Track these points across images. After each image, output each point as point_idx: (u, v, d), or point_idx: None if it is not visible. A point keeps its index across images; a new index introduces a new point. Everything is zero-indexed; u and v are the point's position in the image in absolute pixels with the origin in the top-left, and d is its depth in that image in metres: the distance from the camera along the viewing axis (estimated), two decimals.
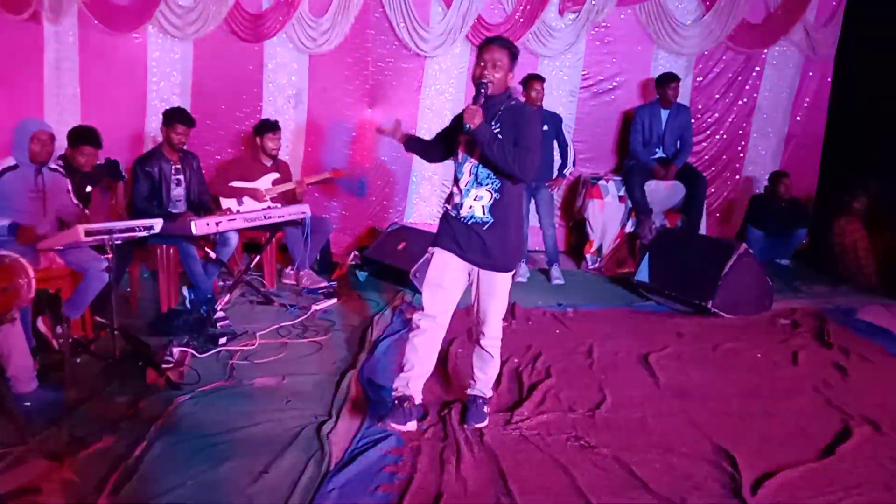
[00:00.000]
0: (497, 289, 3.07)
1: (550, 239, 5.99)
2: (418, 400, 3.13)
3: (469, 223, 2.99)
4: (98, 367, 3.79)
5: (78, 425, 3.12)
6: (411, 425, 3.02)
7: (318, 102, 6.64)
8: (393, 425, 2.98)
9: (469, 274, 3.10)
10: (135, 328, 4.33)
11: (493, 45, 2.94)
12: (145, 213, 4.77)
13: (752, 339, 4.48)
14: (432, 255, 3.11)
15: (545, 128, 5.89)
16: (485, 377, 3.24)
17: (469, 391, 3.28)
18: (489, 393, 3.30)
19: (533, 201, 5.97)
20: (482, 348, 3.18)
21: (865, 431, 3.17)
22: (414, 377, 3.08)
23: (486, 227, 2.97)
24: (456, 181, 3.04)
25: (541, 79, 5.91)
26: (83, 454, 2.86)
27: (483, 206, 2.97)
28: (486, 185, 2.95)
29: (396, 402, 3.05)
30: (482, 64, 2.92)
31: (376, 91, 6.58)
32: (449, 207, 3.07)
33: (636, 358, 4.13)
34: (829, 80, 6.95)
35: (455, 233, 3.02)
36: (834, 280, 5.97)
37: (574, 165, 6.41)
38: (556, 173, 6.09)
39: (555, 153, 6.08)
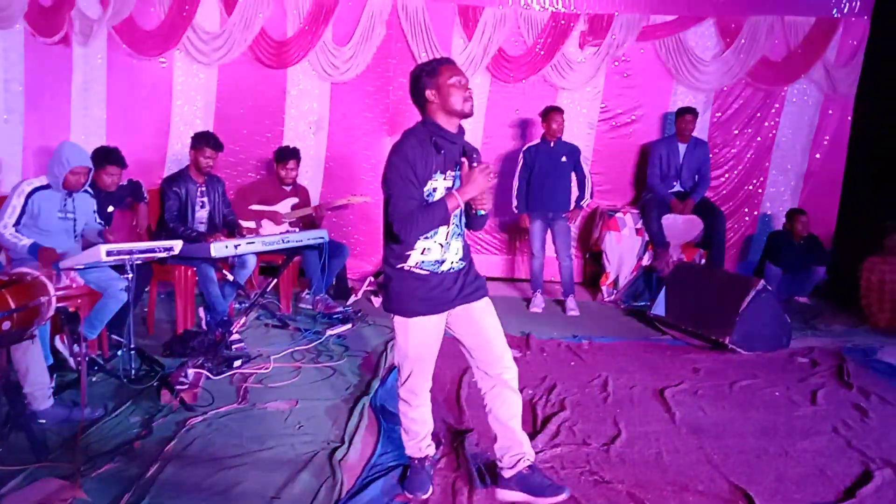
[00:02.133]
0: (493, 309, 2.81)
1: (566, 270, 5.98)
2: (432, 451, 2.96)
3: (450, 273, 2.71)
4: (113, 386, 3.81)
5: (92, 444, 3.13)
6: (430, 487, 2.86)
7: (339, 129, 6.72)
8: (421, 497, 2.79)
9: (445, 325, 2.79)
10: (150, 348, 4.36)
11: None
12: (175, 231, 4.82)
13: (769, 376, 4.43)
14: (398, 324, 2.73)
15: (563, 159, 5.93)
16: (521, 430, 2.82)
17: (523, 462, 2.76)
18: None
19: (549, 232, 5.98)
20: (509, 387, 2.77)
21: (887, 475, 3.10)
22: (423, 438, 2.88)
23: (463, 270, 2.75)
24: (427, 238, 2.64)
25: (560, 111, 5.96)
26: (96, 474, 2.87)
27: (460, 256, 2.74)
28: (460, 234, 2.74)
29: (417, 464, 2.86)
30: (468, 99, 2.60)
31: (396, 119, 6.65)
32: (417, 265, 2.65)
33: (652, 392, 4.09)
34: (850, 118, 6.93)
35: (432, 290, 2.66)
36: (855, 319, 5.89)
37: (591, 197, 6.42)
38: (573, 205, 6.10)
39: (572, 185, 6.09)
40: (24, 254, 3.82)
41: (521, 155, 6.06)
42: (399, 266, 2.66)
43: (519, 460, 2.76)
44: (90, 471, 2.88)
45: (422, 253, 2.64)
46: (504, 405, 2.76)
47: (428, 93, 2.59)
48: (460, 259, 2.73)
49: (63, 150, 3.99)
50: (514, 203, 6.05)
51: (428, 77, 2.60)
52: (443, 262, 2.67)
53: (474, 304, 2.76)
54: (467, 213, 2.74)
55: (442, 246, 2.66)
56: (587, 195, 6.18)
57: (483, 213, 2.69)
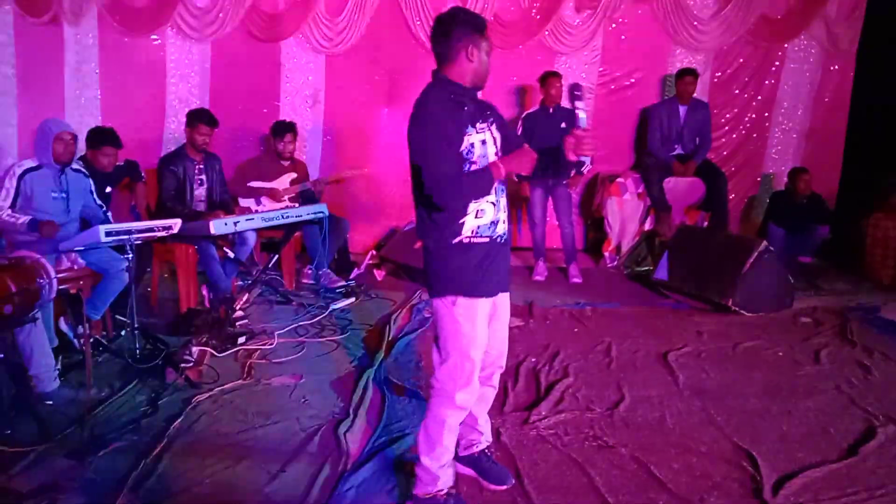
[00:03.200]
0: (509, 307, 2.65)
1: (568, 237, 5.96)
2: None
3: (503, 242, 2.48)
4: (118, 366, 3.83)
5: (98, 424, 3.15)
6: None
7: (336, 102, 6.66)
8: None
9: None
10: (154, 327, 4.38)
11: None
12: (174, 210, 4.81)
13: (772, 337, 4.43)
14: (460, 309, 2.39)
15: (563, 125, 5.87)
16: (487, 419, 2.76)
17: (478, 447, 2.73)
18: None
19: (550, 199, 5.95)
20: (493, 384, 2.66)
21: (890, 431, 3.12)
22: (452, 464, 2.57)
23: (507, 243, 2.51)
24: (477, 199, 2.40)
25: (559, 76, 5.89)
26: (103, 453, 2.89)
27: (507, 213, 2.51)
28: (504, 188, 2.50)
29: (450, 500, 2.53)
30: None
31: (393, 90, 6.59)
32: (475, 232, 2.38)
33: (655, 357, 4.10)
34: (852, 75, 6.84)
35: (491, 265, 2.41)
36: (858, 278, 5.88)
37: (591, 163, 6.37)
38: (573, 171, 6.06)
39: None
40: (24, 230, 3.81)
41: (519, 122, 6.01)
42: (454, 240, 2.37)
43: (475, 443, 2.73)
44: (97, 450, 2.91)
45: (476, 216, 2.38)
46: (482, 399, 2.65)
47: (465, 51, 2.37)
48: (506, 218, 2.50)
49: (45, 123, 3.98)
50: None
51: (474, 34, 2.37)
52: (497, 222, 2.42)
53: (503, 294, 2.57)
54: None
55: (494, 205, 2.42)
56: (587, 161, 6.14)
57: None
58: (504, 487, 2.67)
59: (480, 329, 2.41)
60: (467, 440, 2.73)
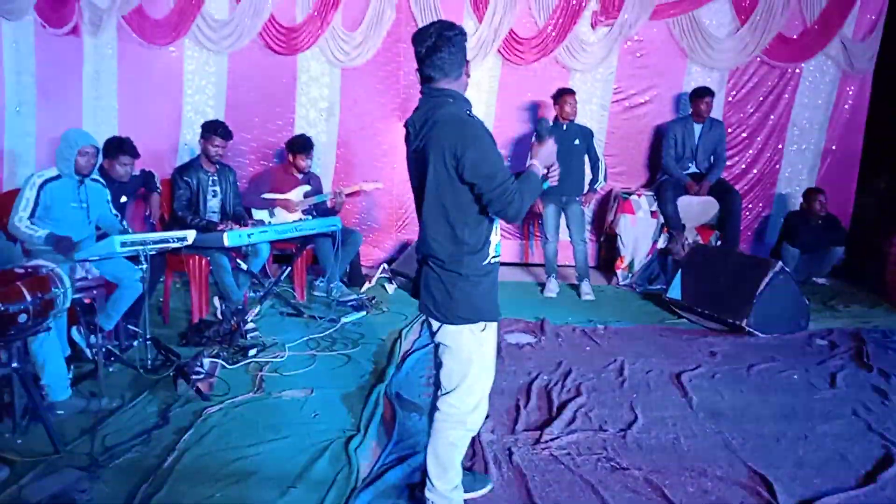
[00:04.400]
0: None
1: (581, 254, 5.94)
2: None
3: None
4: (129, 377, 3.83)
5: (109, 435, 3.15)
6: None
7: (350, 115, 6.68)
8: None
9: None
10: (166, 338, 4.37)
11: None
12: (185, 221, 4.83)
13: (787, 359, 4.39)
14: (488, 335, 2.42)
15: (576, 142, 5.86)
16: None
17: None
18: None
19: (563, 216, 5.93)
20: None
21: None
22: (461, 484, 2.59)
23: None
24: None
25: (573, 93, 5.90)
26: (114, 464, 2.89)
27: None
28: None
29: None
30: None
31: (407, 104, 6.60)
32: (493, 256, 2.41)
33: (668, 377, 4.06)
34: (868, 95, 6.81)
35: (496, 288, 2.46)
36: (874, 299, 5.81)
37: (605, 180, 6.37)
38: (587, 188, 6.05)
39: (586, 167, 6.04)
40: (40, 244, 3.83)
41: (533, 138, 6.01)
42: (484, 262, 2.36)
43: None
44: (108, 461, 2.90)
45: (496, 234, 2.41)
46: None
47: (466, 66, 2.40)
48: None
49: (69, 135, 4.00)
50: None
51: (465, 55, 2.38)
52: (493, 245, 2.42)
53: None
54: None
55: (495, 230, 2.43)
56: (601, 178, 6.13)
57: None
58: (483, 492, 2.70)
59: (493, 349, 2.46)
60: None
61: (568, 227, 5.95)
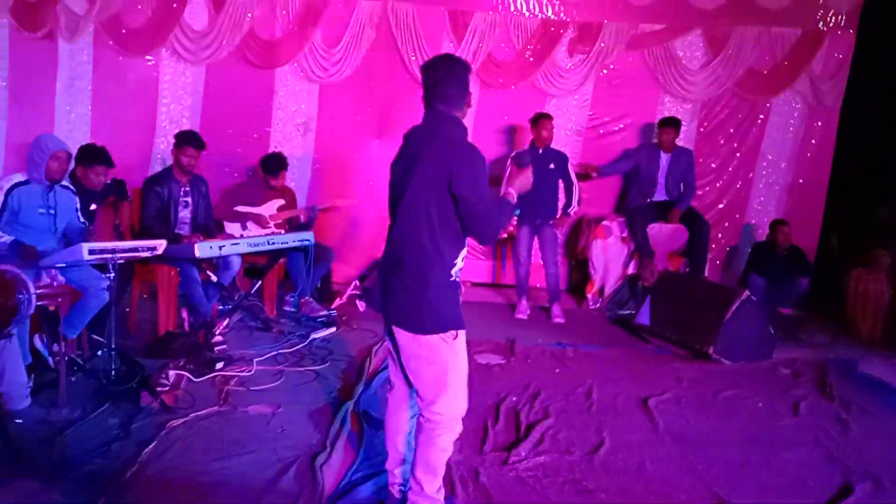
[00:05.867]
0: None
1: (552, 277, 5.98)
2: None
3: None
4: (92, 387, 3.75)
5: (68, 446, 3.08)
6: None
7: (327, 131, 6.68)
8: None
9: None
10: (131, 349, 4.30)
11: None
12: (154, 231, 4.77)
13: (752, 387, 4.44)
14: (460, 342, 2.52)
15: (551, 166, 5.92)
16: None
17: (401, 487, 2.75)
18: None
19: (537, 238, 5.98)
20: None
21: (867, 487, 3.12)
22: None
23: None
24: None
25: (550, 118, 5.97)
26: (72, 476, 2.82)
27: None
28: None
29: None
30: None
31: (384, 123, 6.63)
32: (456, 272, 2.53)
33: (635, 401, 4.08)
34: (835, 131, 6.99)
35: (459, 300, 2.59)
36: (837, 330, 5.93)
37: (579, 205, 6.43)
38: (560, 212, 6.11)
39: (560, 192, 6.09)
40: (4, 251, 3.76)
41: (509, 161, 6.06)
42: (450, 278, 2.48)
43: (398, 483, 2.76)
44: (66, 473, 2.83)
45: (461, 257, 2.53)
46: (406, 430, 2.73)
47: (469, 97, 2.57)
48: None
49: (41, 139, 3.95)
50: None
51: (468, 89, 2.57)
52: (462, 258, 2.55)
53: None
54: None
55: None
56: (574, 202, 6.18)
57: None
58: None
59: (465, 363, 2.57)
60: (402, 471, 2.73)
61: (540, 249, 5.99)
